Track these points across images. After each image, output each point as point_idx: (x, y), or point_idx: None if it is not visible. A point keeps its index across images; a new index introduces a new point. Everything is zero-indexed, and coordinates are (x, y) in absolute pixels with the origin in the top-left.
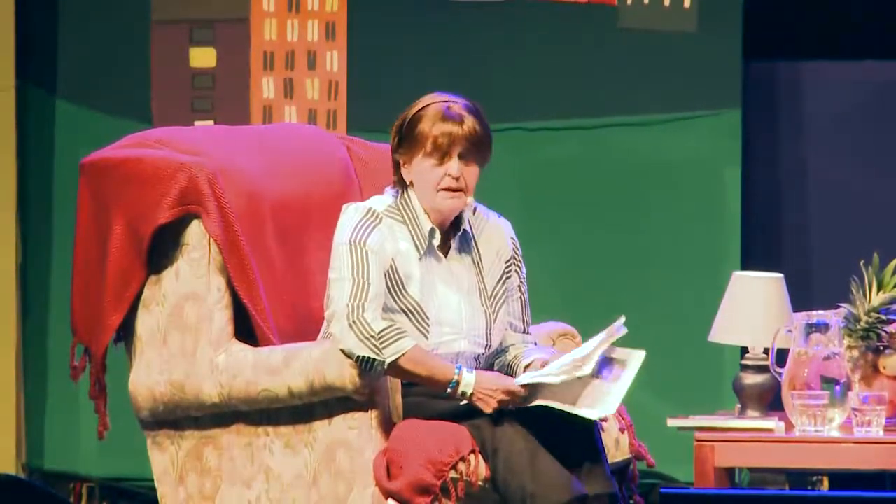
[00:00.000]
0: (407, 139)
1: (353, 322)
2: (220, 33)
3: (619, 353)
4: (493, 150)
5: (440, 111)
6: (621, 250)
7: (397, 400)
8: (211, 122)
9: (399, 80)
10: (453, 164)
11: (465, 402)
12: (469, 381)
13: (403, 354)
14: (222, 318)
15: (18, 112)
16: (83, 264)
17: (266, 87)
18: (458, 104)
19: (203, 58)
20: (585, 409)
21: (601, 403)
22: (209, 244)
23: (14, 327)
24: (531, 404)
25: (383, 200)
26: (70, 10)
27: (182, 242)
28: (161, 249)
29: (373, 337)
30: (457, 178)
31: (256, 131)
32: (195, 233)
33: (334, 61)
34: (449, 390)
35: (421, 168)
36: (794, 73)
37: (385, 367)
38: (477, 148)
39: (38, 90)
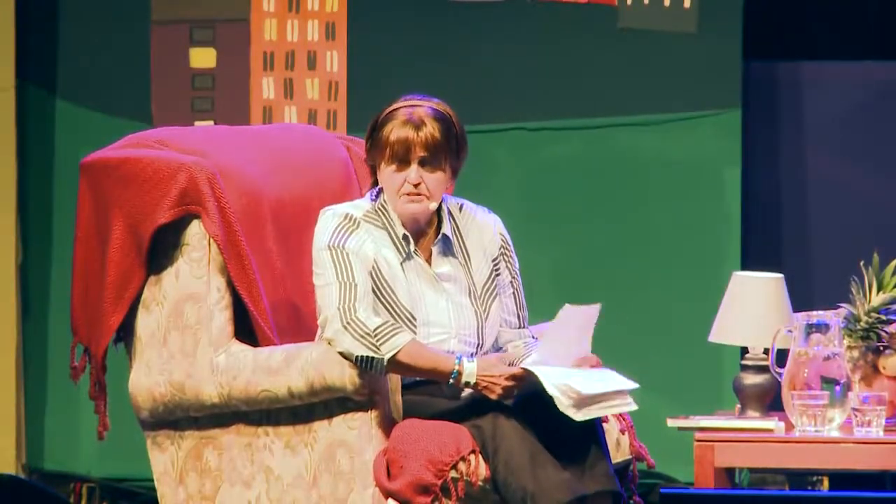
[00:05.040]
0: (373, 144)
1: (347, 323)
2: (220, 33)
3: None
4: (467, 153)
5: (402, 117)
6: (621, 250)
7: (397, 400)
8: (211, 122)
9: (399, 80)
10: (412, 172)
11: (468, 391)
12: (471, 370)
13: (401, 349)
14: (222, 318)
15: (18, 112)
16: (83, 264)
17: (266, 87)
18: (422, 108)
19: (203, 58)
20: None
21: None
22: (209, 244)
23: (14, 327)
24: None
25: (361, 205)
26: (70, 10)
27: (182, 242)
28: (161, 249)
29: (368, 335)
30: (416, 185)
31: (256, 131)
32: (195, 233)
33: (334, 61)
34: (451, 381)
35: (384, 174)
36: (794, 73)
37: (385, 363)
38: (436, 154)
39: (38, 90)
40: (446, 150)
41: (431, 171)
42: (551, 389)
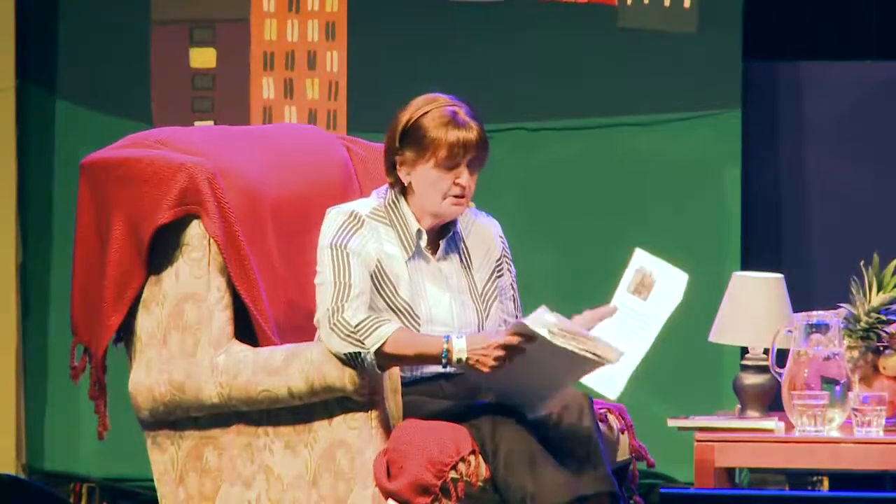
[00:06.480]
0: (413, 143)
1: (334, 324)
2: (220, 33)
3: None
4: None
5: (448, 117)
6: (621, 250)
7: (397, 400)
8: (211, 123)
9: (399, 80)
10: (464, 174)
11: (458, 368)
12: (461, 346)
13: (386, 340)
14: (222, 318)
15: (18, 112)
16: (83, 264)
17: (266, 87)
18: (461, 109)
19: (203, 58)
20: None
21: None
22: (209, 244)
23: (14, 327)
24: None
25: (367, 203)
26: (70, 10)
27: (182, 242)
28: (161, 249)
29: (353, 332)
30: (464, 187)
31: (256, 131)
32: (195, 233)
33: (334, 61)
34: (444, 361)
35: (427, 174)
36: (794, 73)
37: (372, 356)
38: (483, 155)
39: (38, 90)
40: (487, 150)
41: (474, 173)
42: (531, 321)
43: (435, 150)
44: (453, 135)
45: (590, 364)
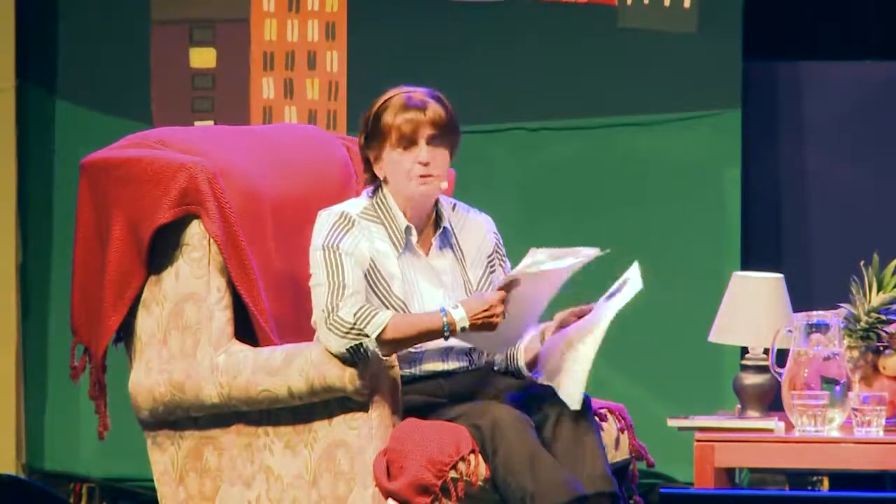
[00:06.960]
0: (373, 133)
1: (331, 325)
2: (220, 33)
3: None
4: (460, 135)
5: (402, 101)
6: (621, 250)
7: (397, 400)
8: (211, 122)
9: (399, 80)
10: (422, 151)
11: (461, 337)
12: (461, 315)
13: (386, 325)
14: (222, 318)
15: (18, 112)
16: (83, 264)
17: (266, 88)
18: (419, 92)
19: (203, 58)
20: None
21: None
22: (209, 244)
23: (14, 327)
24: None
25: (358, 203)
26: (70, 10)
27: (182, 242)
28: (161, 249)
29: (352, 328)
30: (426, 164)
31: (256, 131)
32: (195, 233)
33: (334, 61)
34: (447, 334)
35: (391, 159)
36: (794, 73)
37: (375, 343)
38: (443, 132)
39: (38, 90)
40: (450, 128)
41: (438, 149)
42: (528, 266)
43: (389, 133)
44: (402, 116)
45: (574, 268)
